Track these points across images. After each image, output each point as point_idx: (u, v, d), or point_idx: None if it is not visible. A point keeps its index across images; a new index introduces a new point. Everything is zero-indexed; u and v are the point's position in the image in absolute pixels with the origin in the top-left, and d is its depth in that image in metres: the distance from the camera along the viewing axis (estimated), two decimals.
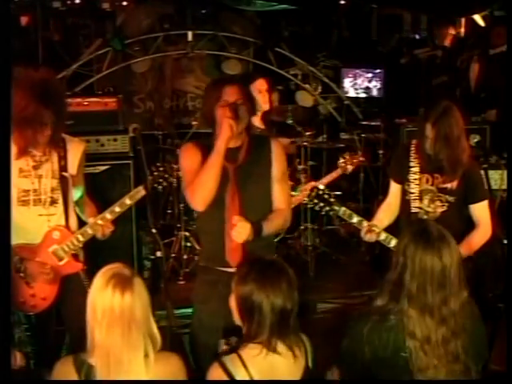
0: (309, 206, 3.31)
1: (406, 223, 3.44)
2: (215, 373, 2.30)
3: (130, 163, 4.68)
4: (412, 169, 3.46)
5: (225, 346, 2.54)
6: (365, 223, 3.37)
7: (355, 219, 3.38)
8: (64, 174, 3.20)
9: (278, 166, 3.09)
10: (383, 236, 3.39)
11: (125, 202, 3.26)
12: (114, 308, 2.15)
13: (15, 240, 3.01)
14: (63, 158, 3.20)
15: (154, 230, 3.08)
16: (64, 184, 3.20)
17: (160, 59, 7.39)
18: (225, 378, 2.27)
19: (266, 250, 3.01)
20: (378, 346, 2.36)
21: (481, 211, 3.41)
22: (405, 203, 3.51)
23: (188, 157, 3.09)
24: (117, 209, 3.25)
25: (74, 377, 2.21)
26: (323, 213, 3.35)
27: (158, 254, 3.06)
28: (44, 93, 2.99)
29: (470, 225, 3.49)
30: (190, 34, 7.12)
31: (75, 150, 3.27)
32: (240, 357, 2.30)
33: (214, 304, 2.93)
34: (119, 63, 7.03)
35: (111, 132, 4.75)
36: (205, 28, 7.30)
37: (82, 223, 3.33)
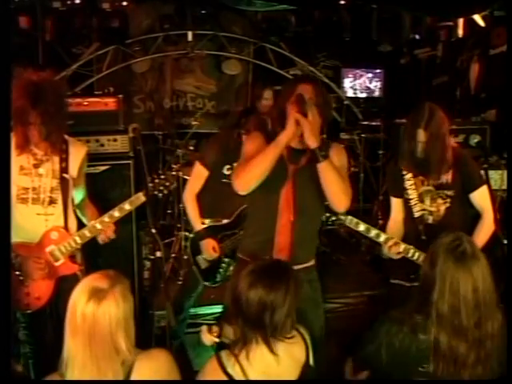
0: None
1: (411, 229, 3.46)
2: (210, 365, 2.34)
3: (130, 163, 4.67)
4: (406, 176, 3.46)
5: (208, 333, 2.58)
6: (372, 230, 3.30)
7: (362, 227, 3.27)
8: (65, 175, 3.21)
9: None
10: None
11: (124, 208, 3.26)
12: (86, 319, 2.12)
13: (12, 238, 3.00)
14: (65, 160, 3.21)
15: (153, 230, 3.07)
16: (64, 185, 3.20)
17: (160, 59, 7.39)
18: (219, 370, 2.30)
19: (307, 253, 3.07)
20: (397, 352, 2.32)
21: (481, 198, 3.38)
22: (408, 211, 3.50)
23: (252, 142, 3.08)
24: (116, 213, 3.25)
25: None
26: (329, 222, 3.28)
27: (158, 254, 3.06)
28: (33, 93, 2.98)
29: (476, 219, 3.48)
30: (190, 34, 7.13)
31: (77, 153, 3.29)
32: (236, 356, 2.33)
33: None
34: (119, 63, 7.04)
35: (111, 132, 4.73)
36: (205, 28, 7.30)
37: (81, 226, 3.33)
